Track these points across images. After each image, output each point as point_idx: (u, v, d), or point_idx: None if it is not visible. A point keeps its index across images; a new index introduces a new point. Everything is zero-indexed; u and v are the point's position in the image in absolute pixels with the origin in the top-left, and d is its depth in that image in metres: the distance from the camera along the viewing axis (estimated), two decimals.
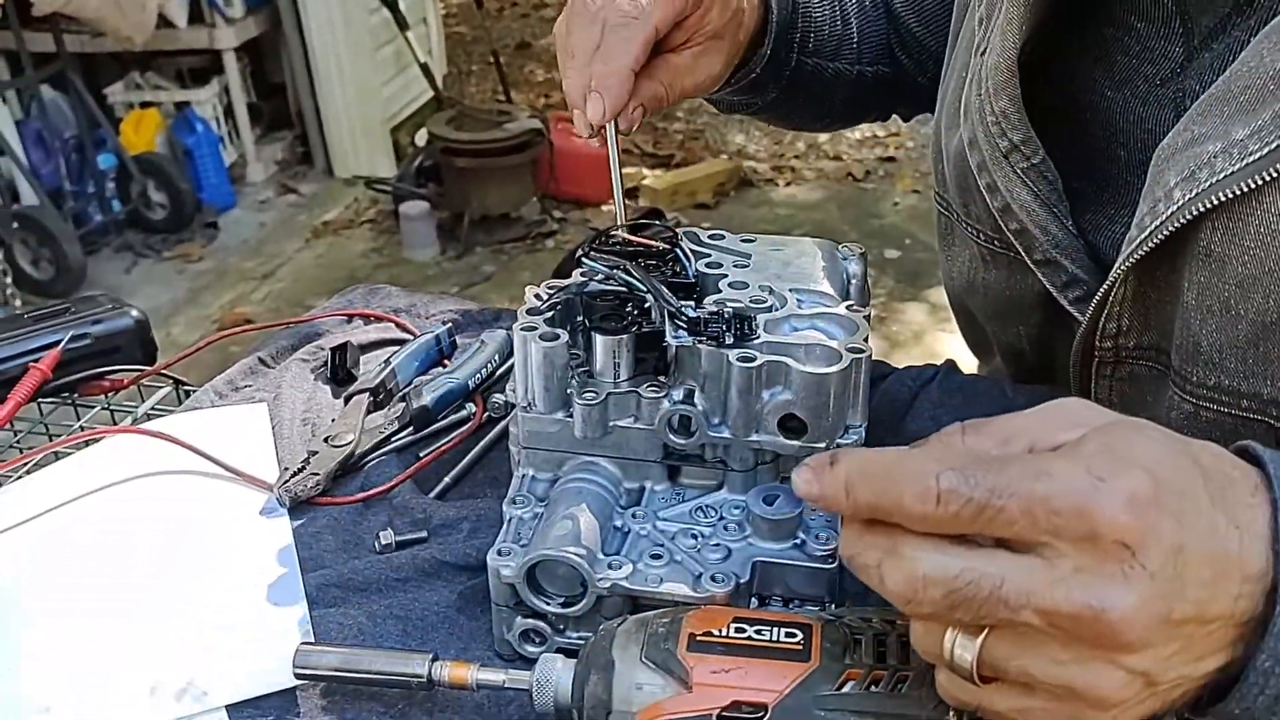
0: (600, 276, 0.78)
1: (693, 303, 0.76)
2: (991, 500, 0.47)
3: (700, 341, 0.74)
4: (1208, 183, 0.65)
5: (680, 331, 0.75)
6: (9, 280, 3.90)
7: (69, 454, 0.94)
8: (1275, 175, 0.62)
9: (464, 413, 0.99)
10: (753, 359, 0.72)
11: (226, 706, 0.70)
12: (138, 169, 4.51)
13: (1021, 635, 0.50)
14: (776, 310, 0.79)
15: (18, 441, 1.04)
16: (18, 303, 3.83)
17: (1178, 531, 0.48)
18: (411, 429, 0.96)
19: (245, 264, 4.60)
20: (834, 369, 0.72)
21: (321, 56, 5.05)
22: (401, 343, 1.08)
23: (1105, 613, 0.47)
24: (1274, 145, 0.61)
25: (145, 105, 4.83)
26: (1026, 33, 0.80)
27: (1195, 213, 0.66)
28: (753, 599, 0.73)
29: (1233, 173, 0.63)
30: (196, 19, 4.72)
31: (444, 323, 1.11)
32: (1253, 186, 0.63)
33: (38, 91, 4.33)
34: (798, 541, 0.73)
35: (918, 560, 0.50)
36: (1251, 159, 0.62)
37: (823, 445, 0.74)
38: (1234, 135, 0.63)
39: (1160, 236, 0.71)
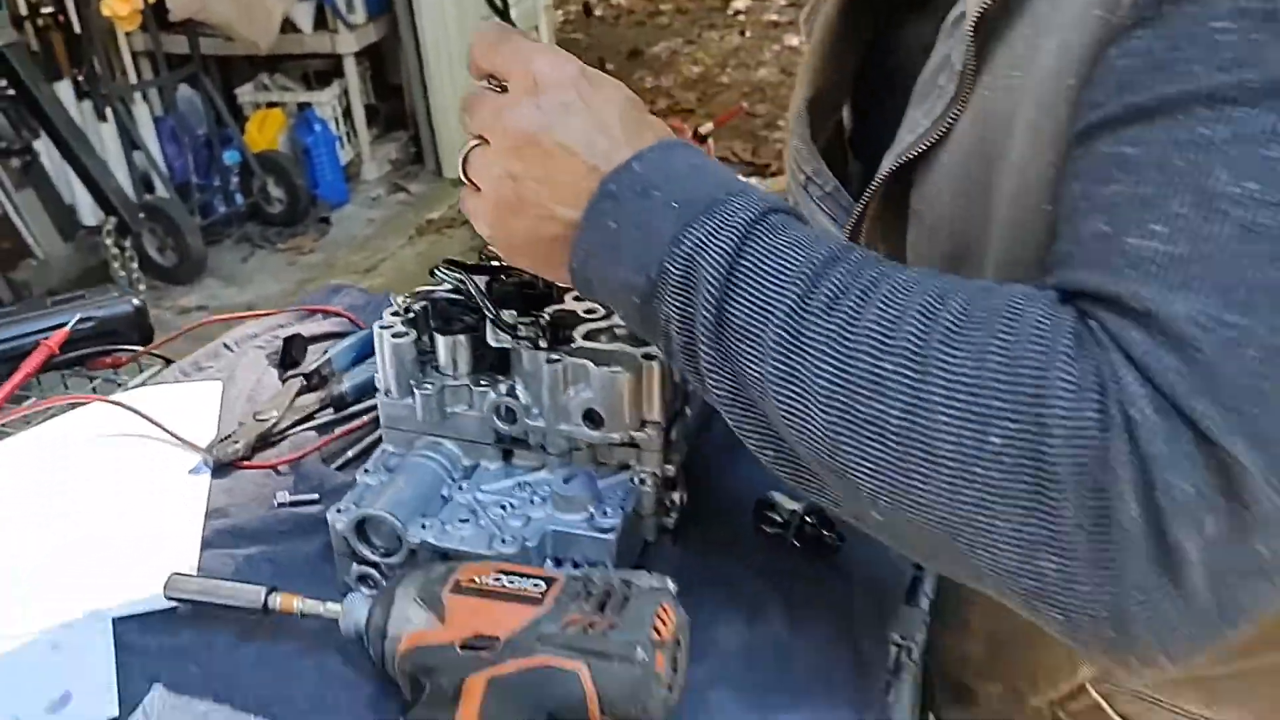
0: (447, 286, 0.93)
1: (515, 311, 0.90)
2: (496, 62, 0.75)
3: (520, 344, 0.88)
4: (896, 152, 0.81)
5: (501, 334, 0.89)
6: (135, 265, 4.24)
7: (40, 419, 1.14)
8: (934, 141, 0.78)
9: None
10: (558, 361, 0.86)
11: (113, 619, 0.87)
12: (259, 165, 4.81)
13: (482, 149, 0.75)
14: (603, 321, 0.92)
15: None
16: (142, 287, 4.16)
17: (579, 102, 0.71)
18: (332, 409, 1.13)
19: (352, 258, 4.87)
20: (627, 373, 0.85)
21: (434, 61, 5.29)
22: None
23: (504, 110, 0.72)
24: (935, 117, 0.77)
25: (271, 105, 5.16)
26: (812, 90, 0.92)
27: (888, 171, 0.82)
28: (548, 560, 0.87)
29: (912, 142, 0.79)
30: (321, 25, 5.02)
31: None
32: (922, 150, 0.79)
33: (174, 91, 4.67)
34: (589, 515, 0.87)
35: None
36: (920, 130, 0.78)
37: (618, 435, 0.88)
38: (916, 116, 0.80)
39: (876, 201, 0.86)
